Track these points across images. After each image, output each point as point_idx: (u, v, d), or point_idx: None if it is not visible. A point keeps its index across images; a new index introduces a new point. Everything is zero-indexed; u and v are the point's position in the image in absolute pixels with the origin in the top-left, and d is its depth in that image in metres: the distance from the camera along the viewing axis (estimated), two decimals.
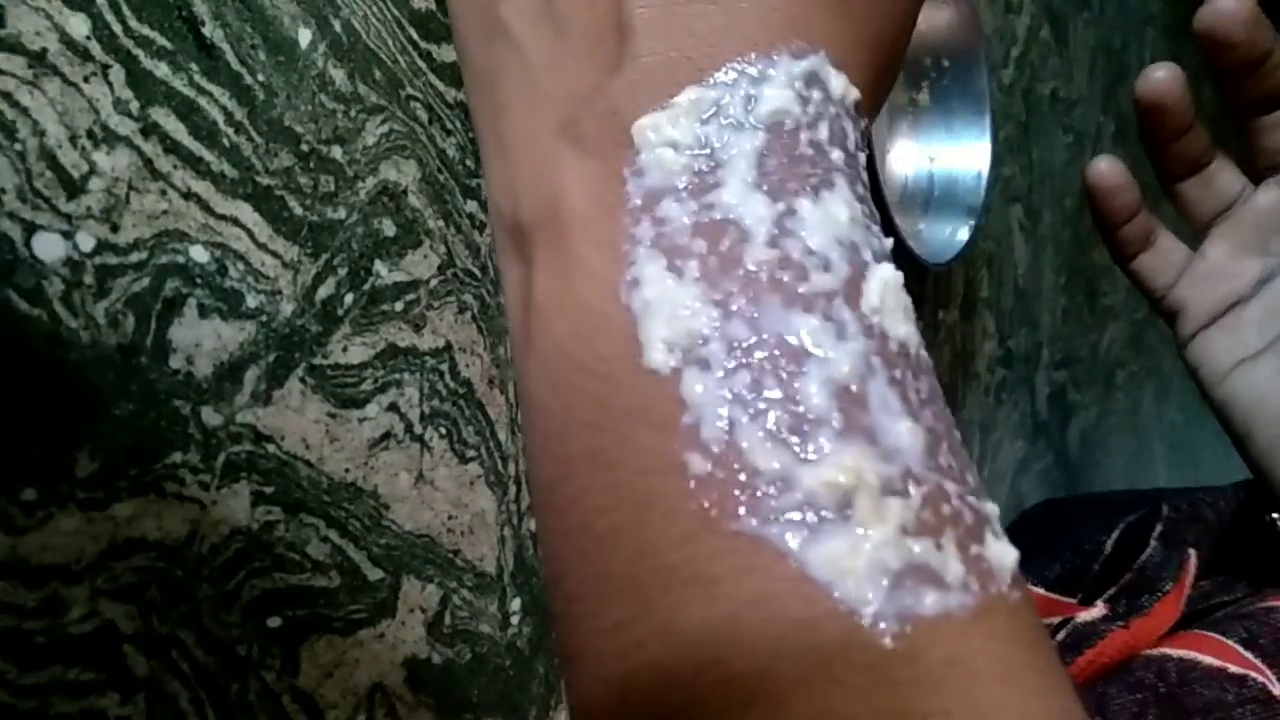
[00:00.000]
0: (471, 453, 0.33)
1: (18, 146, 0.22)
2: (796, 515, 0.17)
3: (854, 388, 0.18)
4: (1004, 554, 0.18)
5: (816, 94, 0.20)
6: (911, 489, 0.18)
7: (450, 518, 0.32)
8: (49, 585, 0.23)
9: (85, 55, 0.23)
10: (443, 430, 0.32)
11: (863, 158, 0.21)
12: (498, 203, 0.22)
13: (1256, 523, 0.45)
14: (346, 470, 0.29)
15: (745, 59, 0.20)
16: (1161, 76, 0.42)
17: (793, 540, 0.17)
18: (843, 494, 0.17)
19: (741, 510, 0.17)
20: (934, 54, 0.65)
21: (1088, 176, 0.45)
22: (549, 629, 0.36)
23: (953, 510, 0.18)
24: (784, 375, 0.18)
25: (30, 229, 0.23)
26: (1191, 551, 0.44)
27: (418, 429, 0.31)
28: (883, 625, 0.16)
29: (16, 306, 0.22)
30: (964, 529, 0.18)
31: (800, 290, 0.19)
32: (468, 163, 0.33)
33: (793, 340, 0.18)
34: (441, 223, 0.32)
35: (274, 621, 0.27)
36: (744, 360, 0.18)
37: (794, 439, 0.17)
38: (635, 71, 0.20)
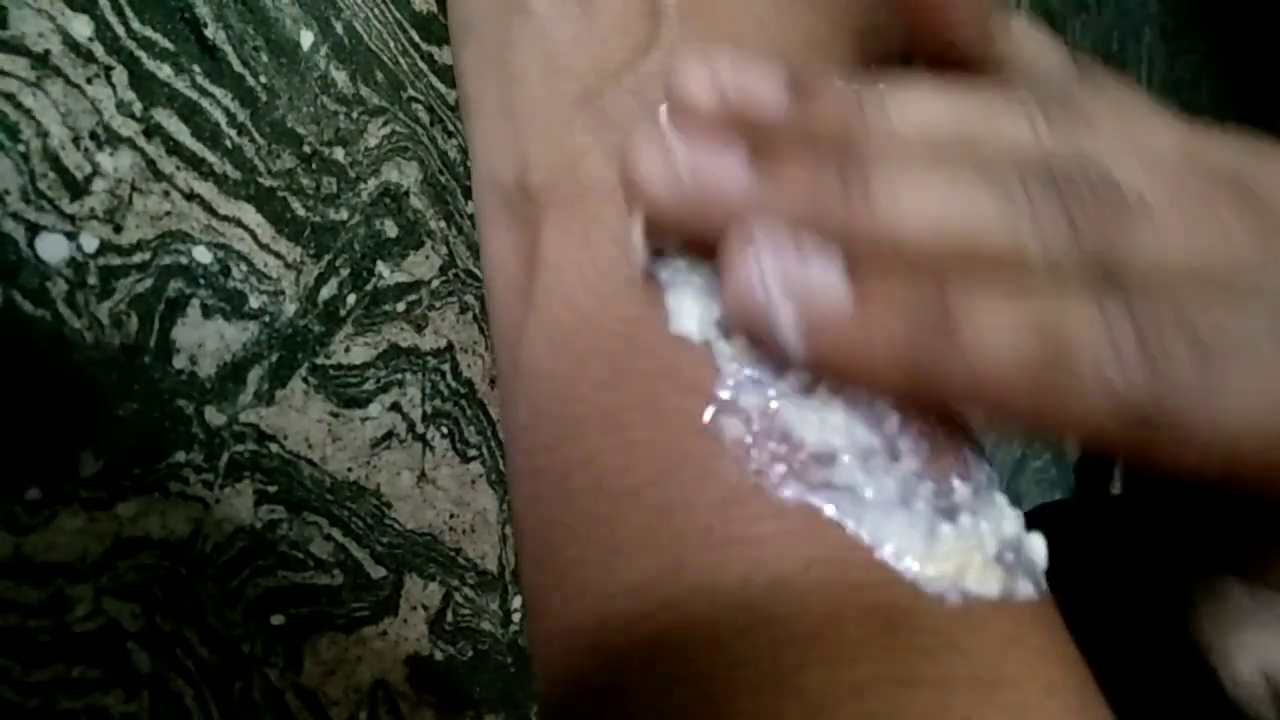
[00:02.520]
0: (473, 452, 0.33)
1: (21, 148, 0.23)
2: (848, 488, 0.17)
3: None
4: (1038, 548, 0.18)
5: None
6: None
7: (452, 516, 0.32)
8: (53, 584, 0.23)
9: (88, 57, 0.24)
10: (445, 430, 0.32)
11: None
12: (494, 169, 0.22)
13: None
14: (349, 469, 0.29)
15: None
16: None
17: (846, 510, 0.17)
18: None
19: (788, 478, 0.17)
20: None
21: None
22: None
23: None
24: None
25: (34, 230, 0.23)
26: None
27: (420, 428, 0.31)
28: (947, 596, 0.16)
29: (20, 307, 0.23)
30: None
31: None
32: (469, 164, 0.33)
33: None
34: (443, 224, 0.32)
35: (277, 619, 0.27)
36: None
37: None
38: (667, 56, 0.20)
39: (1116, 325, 0.17)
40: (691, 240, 0.18)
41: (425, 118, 0.31)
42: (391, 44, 0.30)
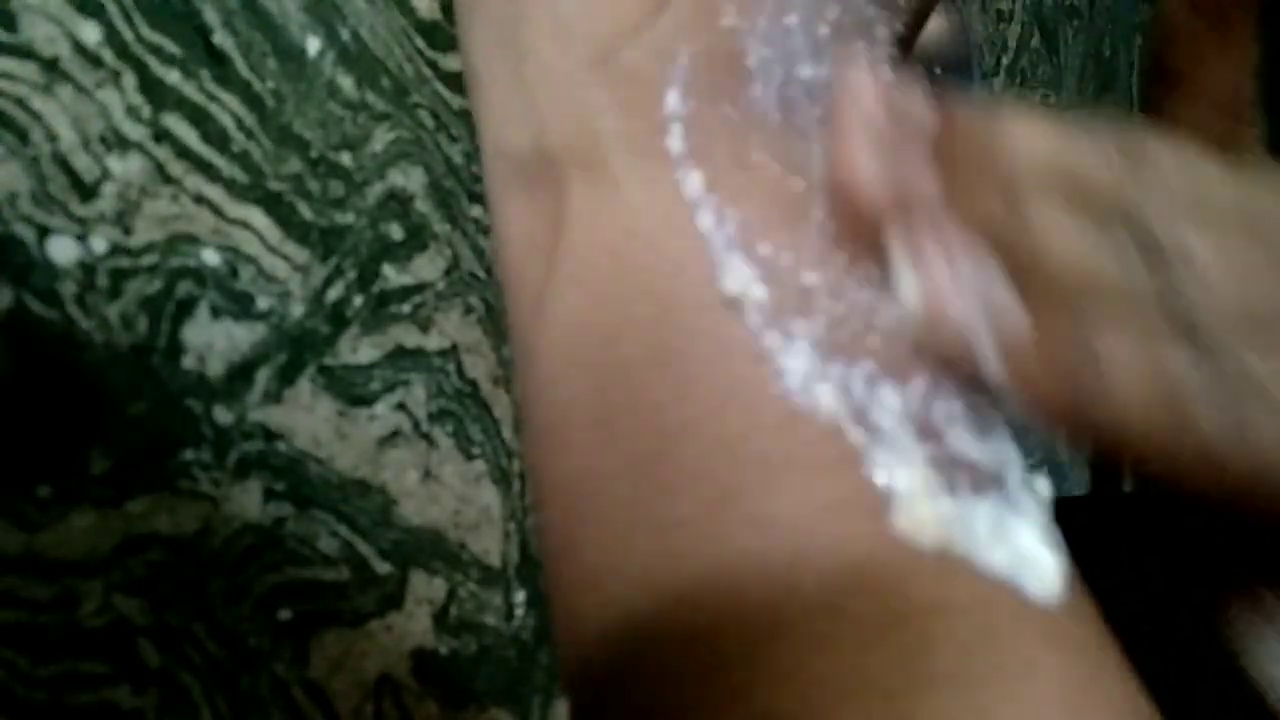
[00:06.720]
0: (477, 450, 0.33)
1: (31, 151, 0.23)
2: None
3: None
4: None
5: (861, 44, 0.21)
6: None
7: (457, 513, 0.33)
8: (63, 580, 0.23)
9: (97, 62, 0.24)
10: (449, 428, 0.33)
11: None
12: (507, 140, 0.22)
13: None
14: (356, 467, 0.30)
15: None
16: None
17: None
18: None
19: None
20: (926, 63, 0.66)
21: None
22: (552, 620, 0.37)
23: None
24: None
25: (44, 232, 0.23)
26: None
27: (425, 427, 0.32)
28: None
29: (31, 308, 0.23)
30: None
31: None
32: (473, 169, 0.33)
33: None
34: (448, 227, 0.33)
35: (284, 614, 0.28)
36: None
37: None
38: (680, 12, 0.20)
39: (1205, 374, 0.17)
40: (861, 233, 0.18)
41: (430, 123, 0.32)
42: (397, 50, 0.31)
